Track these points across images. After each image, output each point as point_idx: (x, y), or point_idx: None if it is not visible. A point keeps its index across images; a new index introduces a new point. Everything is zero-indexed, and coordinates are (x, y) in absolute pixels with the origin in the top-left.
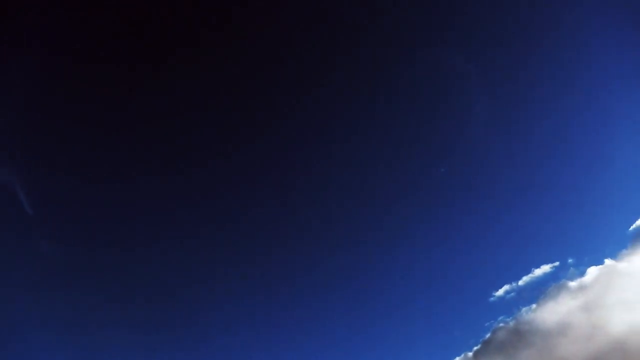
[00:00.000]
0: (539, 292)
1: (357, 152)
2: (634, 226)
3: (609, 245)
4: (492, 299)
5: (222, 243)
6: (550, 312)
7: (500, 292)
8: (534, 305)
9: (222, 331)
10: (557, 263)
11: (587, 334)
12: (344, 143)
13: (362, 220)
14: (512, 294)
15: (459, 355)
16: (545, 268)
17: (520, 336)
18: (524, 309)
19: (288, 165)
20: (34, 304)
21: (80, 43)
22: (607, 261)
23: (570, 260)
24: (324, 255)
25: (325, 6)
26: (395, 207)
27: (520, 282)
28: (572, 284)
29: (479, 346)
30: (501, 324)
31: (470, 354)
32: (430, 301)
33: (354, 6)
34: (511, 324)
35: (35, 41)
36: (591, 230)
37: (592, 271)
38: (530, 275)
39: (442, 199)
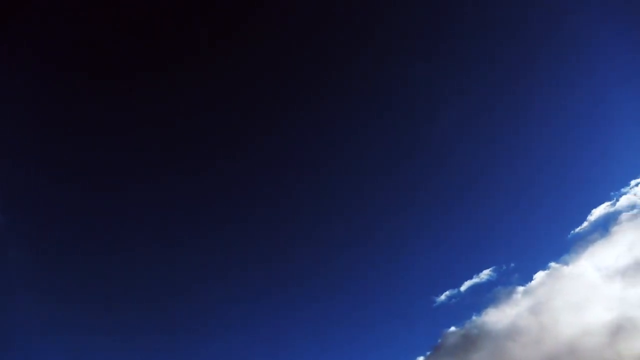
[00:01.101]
0: (484, 296)
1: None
2: (577, 230)
3: (554, 249)
4: (435, 304)
5: (220, 245)
6: (499, 316)
7: (442, 297)
8: (483, 310)
9: (222, 333)
10: (502, 267)
11: (537, 338)
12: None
13: (307, 227)
14: (456, 299)
15: None
16: (487, 273)
17: (471, 341)
18: (473, 314)
19: (287, 169)
20: (26, 309)
21: (76, 43)
22: (553, 265)
23: (512, 265)
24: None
25: (327, 9)
26: (333, 214)
27: (463, 288)
28: (520, 288)
29: (429, 352)
30: (451, 329)
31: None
32: (375, 309)
33: (354, 12)
34: (461, 328)
35: (28, 40)
36: (534, 234)
37: (539, 275)
38: (473, 280)
39: (383, 204)
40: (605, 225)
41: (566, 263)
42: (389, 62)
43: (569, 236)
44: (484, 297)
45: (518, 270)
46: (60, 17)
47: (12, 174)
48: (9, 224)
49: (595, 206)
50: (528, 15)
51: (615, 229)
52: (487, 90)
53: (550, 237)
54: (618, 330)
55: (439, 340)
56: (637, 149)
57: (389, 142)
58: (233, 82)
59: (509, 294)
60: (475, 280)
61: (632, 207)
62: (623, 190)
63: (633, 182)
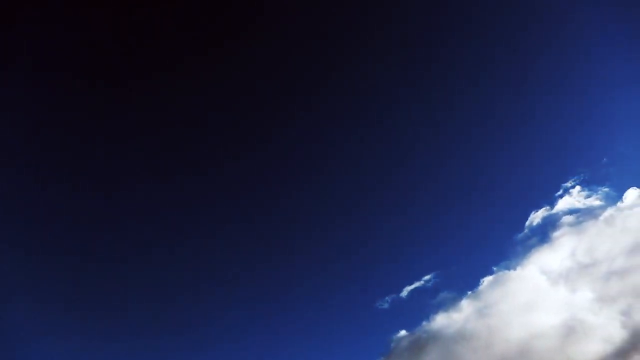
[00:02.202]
0: (430, 301)
1: None
2: (519, 235)
3: (497, 254)
4: (379, 310)
5: (219, 247)
6: (449, 321)
7: (385, 302)
8: (432, 315)
9: (221, 335)
10: (444, 272)
11: (487, 341)
12: None
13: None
14: (399, 304)
15: None
16: (428, 278)
17: (421, 345)
18: (423, 319)
19: (287, 171)
20: (26, 311)
21: (77, 44)
22: (499, 270)
23: (455, 270)
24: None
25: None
26: (276, 218)
27: (404, 293)
28: (468, 293)
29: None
30: (402, 334)
31: None
32: (317, 317)
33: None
34: (411, 333)
35: (28, 41)
36: (476, 239)
37: (486, 280)
38: (414, 285)
39: (323, 208)
40: (545, 230)
41: (511, 268)
42: (387, 64)
43: (511, 241)
44: (430, 302)
45: (463, 275)
46: (61, 18)
47: (11, 176)
48: (8, 226)
49: (534, 210)
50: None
51: (556, 233)
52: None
53: (492, 242)
54: (568, 333)
55: (392, 345)
56: (574, 153)
57: (334, 149)
58: (233, 84)
59: (457, 298)
60: (416, 285)
61: (570, 210)
62: (560, 193)
63: (569, 185)
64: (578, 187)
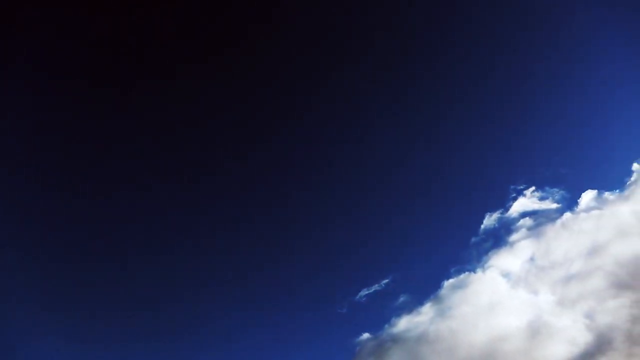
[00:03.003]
0: (391, 305)
1: None
2: (477, 237)
3: (456, 258)
4: (338, 313)
5: (218, 248)
6: (412, 324)
7: (344, 306)
8: (394, 318)
9: (220, 338)
10: (402, 275)
11: (451, 344)
12: None
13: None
14: (358, 307)
15: None
16: (386, 282)
17: (385, 349)
18: (386, 323)
19: (289, 173)
20: (31, 311)
21: (76, 46)
22: (460, 273)
23: (414, 273)
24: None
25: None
26: (232, 225)
27: (362, 297)
28: (430, 295)
29: None
30: (364, 337)
31: None
32: (276, 321)
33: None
34: (374, 337)
35: (28, 43)
36: (434, 242)
37: (448, 283)
38: (372, 288)
39: (279, 213)
40: (501, 232)
41: (471, 270)
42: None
43: (469, 244)
44: (391, 305)
45: (422, 279)
46: (62, 19)
47: (12, 177)
48: (9, 227)
49: (489, 213)
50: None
51: (514, 236)
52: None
53: (450, 245)
54: (532, 335)
55: (356, 349)
56: (528, 155)
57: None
58: (234, 86)
59: (418, 302)
60: (375, 288)
61: (526, 213)
62: (515, 196)
63: (523, 188)
64: (532, 190)
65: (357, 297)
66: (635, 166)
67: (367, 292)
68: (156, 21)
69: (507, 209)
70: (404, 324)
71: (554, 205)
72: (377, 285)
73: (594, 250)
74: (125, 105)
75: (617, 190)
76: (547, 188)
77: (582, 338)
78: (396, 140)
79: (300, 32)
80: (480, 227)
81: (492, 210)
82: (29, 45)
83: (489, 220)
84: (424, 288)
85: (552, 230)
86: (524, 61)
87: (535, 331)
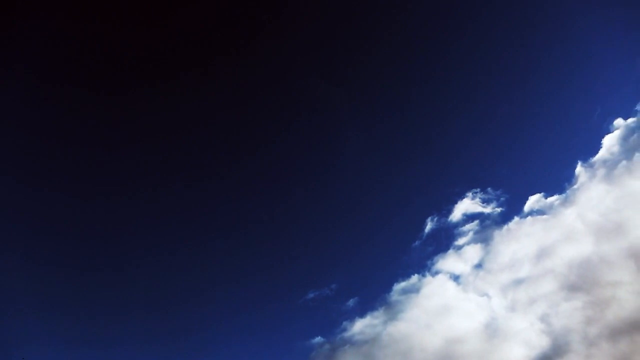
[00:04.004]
0: (342, 308)
1: None
2: (422, 241)
3: (407, 260)
4: (290, 314)
5: (218, 249)
6: (364, 327)
7: (294, 310)
8: (347, 322)
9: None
10: (351, 280)
11: (405, 347)
12: None
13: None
14: (311, 310)
15: None
16: (333, 286)
17: (339, 352)
18: (338, 326)
19: (286, 175)
20: (32, 314)
21: (76, 45)
22: (408, 276)
23: (366, 278)
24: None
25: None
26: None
27: (308, 299)
28: (381, 299)
29: None
30: (317, 340)
31: None
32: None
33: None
34: (327, 340)
35: (30, 41)
36: (384, 246)
37: (398, 286)
38: (320, 291)
39: (223, 217)
40: (446, 236)
41: (421, 274)
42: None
43: (415, 248)
44: (341, 308)
45: (372, 282)
46: (63, 22)
47: (11, 182)
48: (10, 231)
49: (434, 217)
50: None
51: (460, 240)
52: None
53: (398, 248)
54: (487, 338)
55: (310, 352)
56: (468, 160)
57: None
58: (234, 87)
59: (369, 305)
60: (324, 292)
61: (470, 216)
62: (457, 200)
63: (468, 192)
64: (475, 193)
65: (306, 300)
66: (578, 170)
67: (315, 296)
68: (156, 25)
69: (449, 213)
70: (356, 327)
71: (499, 209)
72: (326, 288)
73: (542, 254)
74: (125, 109)
75: (562, 194)
76: (490, 191)
77: (539, 341)
78: (341, 147)
79: (299, 36)
80: (423, 231)
81: (435, 214)
82: (30, 50)
83: (432, 224)
84: (373, 292)
85: (498, 234)
86: (465, 64)
87: (490, 334)
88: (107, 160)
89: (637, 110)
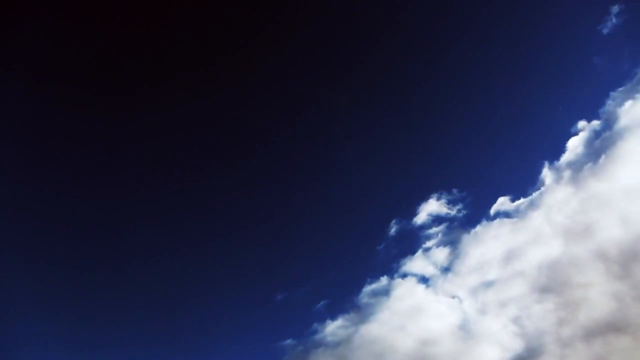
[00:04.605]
0: (312, 310)
1: None
2: (388, 243)
3: (375, 262)
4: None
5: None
6: (335, 329)
7: (263, 312)
8: (317, 324)
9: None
10: (322, 280)
11: (378, 349)
12: None
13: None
14: (280, 312)
15: None
16: (304, 288)
17: (310, 354)
18: (308, 328)
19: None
20: (31, 315)
21: (81, 51)
22: (377, 278)
23: (334, 279)
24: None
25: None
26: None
27: (280, 301)
28: (351, 301)
29: None
30: (287, 342)
31: None
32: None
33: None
34: (298, 342)
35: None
36: (353, 247)
37: (367, 289)
38: (291, 294)
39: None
40: (413, 238)
41: (390, 277)
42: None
43: (383, 250)
44: (312, 311)
45: (341, 285)
46: (62, 19)
47: (10, 182)
48: (10, 231)
49: (400, 219)
50: None
51: (427, 242)
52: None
53: (365, 250)
54: (459, 341)
55: (280, 355)
56: (439, 160)
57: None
58: (234, 87)
59: (341, 308)
60: (294, 293)
61: (438, 219)
62: (420, 202)
63: (433, 194)
64: (441, 195)
65: (276, 302)
66: (544, 173)
67: (284, 297)
68: (156, 25)
69: (415, 214)
70: (328, 329)
71: (465, 212)
72: (295, 290)
73: (511, 256)
74: (125, 109)
75: (528, 197)
76: (456, 194)
77: (512, 343)
78: (307, 148)
79: (297, 36)
80: (389, 233)
81: (400, 216)
82: (30, 50)
83: (398, 226)
84: (343, 294)
85: (465, 237)
86: (434, 62)
87: (463, 336)
88: (107, 160)
89: (601, 113)
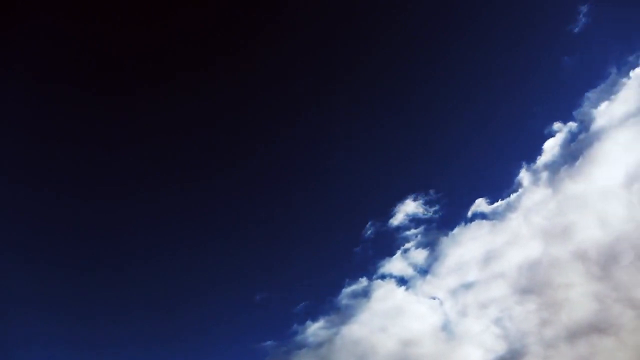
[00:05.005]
0: (292, 312)
1: None
2: (364, 245)
3: (353, 263)
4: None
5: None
6: (316, 331)
7: (243, 314)
8: (298, 325)
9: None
10: (301, 282)
11: (360, 350)
12: None
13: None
14: (260, 313)
15: None
16: (284, 290)
17: (291, 356)
18: (288, 329)
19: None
20: (31, 315)
21: (81, 49)
22: (355, 280)
23: (312, 280)
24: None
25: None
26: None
27: (262, 303)
28: (331, 302)
29: None
30: (269, 344)
31: None
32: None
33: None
34: (279, 343)
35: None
36: (330, 249)
37: (346, 290)
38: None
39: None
40: (389, 240)
41: (369, 278)
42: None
43: (360, 252)
44: (292, 312)
45: (320, 286)
46: (62, 19)
47: (10, 182)
48: (10, 231)
49: (375, 221)
50: None
51: (407, 244)
52: None
53: (343, 253)
54: (440, 342)
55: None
56: (411, 163)
57: None
58: (234, 87)
59: (321, 309)
60: (274, 295)
61: (415, 220)
62: (400, 203)
63: (409, 196)
64: (420, 198)
65: (254, 302)
66: (521, 175)
67: (263, 298)
68: (156, 25)
69: (392, 216)
70: (308, 331)
71: (442, 213)
72: (274, 291)
73: (490, 258)
74: (126, 109)
75: (505, 199)
76: (433, 195)
77: (495, 344)
78: (307, 148)
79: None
80: (366, 234)
81: (377, 217)
82: (30, 50)
83: (375, 227)
84: (322, 295)
85: (443, 238)
86: (409, 64)
87: (445, 337)
88: (107, 160)
89: (576, 114)
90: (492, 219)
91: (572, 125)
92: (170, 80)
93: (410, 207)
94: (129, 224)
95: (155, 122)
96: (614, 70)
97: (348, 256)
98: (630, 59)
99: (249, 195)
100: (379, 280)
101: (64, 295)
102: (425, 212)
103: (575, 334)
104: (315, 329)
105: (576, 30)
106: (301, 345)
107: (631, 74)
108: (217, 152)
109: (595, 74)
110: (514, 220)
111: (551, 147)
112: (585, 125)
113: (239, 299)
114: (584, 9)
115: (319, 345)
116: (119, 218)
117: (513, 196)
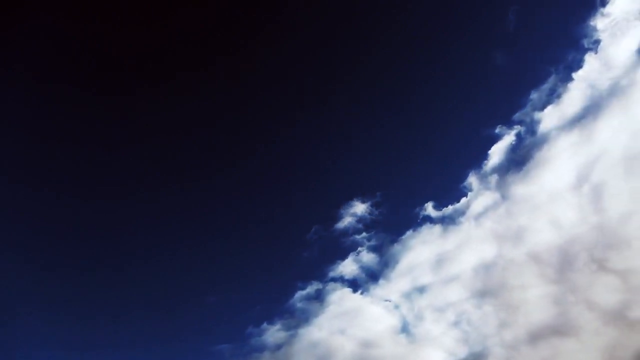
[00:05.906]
0: (246, 316)
1: None
2: (312, 249)
3: (303, 269)
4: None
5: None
6: (273, 335)
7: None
8: (252, 328)
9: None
10: (253, 285)
11: (318, 353)
12: None
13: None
14: (212, 316)
15: None
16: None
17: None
18: (241, 333)
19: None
20: (31, 316)
21: (81, 49)
22: (307, 284)
23: (264, 284)
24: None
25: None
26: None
27: (213, 306)
28: (284, 306)
29: None
30: (223, 348)
31: None
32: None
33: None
34: (234, 349)
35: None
36: (281, 253)
37: (300, 294)
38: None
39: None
40: (338, 244)
41: (321, 282)
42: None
43: (305, 256)
44: (245, 316)
45: (273, 290)
46: (62, 19)
47: (10, 183)
48: (7, 230)
49: (323, 225)
50: None
51: (356, 248)
52: None
53: (292, 258)
54: (401, 344)
55: None
56: (358, 166)
57: None
58: (234, 87)
59: (275, 313)
60: (226, 299)
61: (364, 225)
62: (346, 207)
63: (360, 201)
64: (365, 200)
65: (206, 304)
66: (470, 178)
67: (215, 300)
68: (156, 25)
69: (339, 220)
70: (265, 334)
71: (392, 217)
72: (226, 293)
73: (443, 261)
74: (126, 109)
75: (455, 203)
76: (379, 198)
77: (455, 348)
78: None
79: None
80: (311, 238)
81: (322, 222)
82: (30, 50)
83: (321, 231)
84: (277, 298)
85: (394, 243)
86: (354, 63)
87: (403, 342)
88: (107, 160)
89: (520, 117)
90: (442, 223)
91: (518, 128)
92: (170, 80)
93: (358, 210)
94: (128, 224)
95: (155, 122)
96: (553, 71)
97: (297, 260)
98: (570, 58)
99: (268, 195)
100: (332, 283)
101: (64, 295)
102: (372, 214)
103: (536, 336)
104: (272, 332)
105: (509, 28)
106: (258, 349)
107: (574, 75)
108: (217, 152)
109: (539, 75)
110: (465, 224)
111: (498, 151)
112: (530, 128)
113: (190, 301)
114: (514, 9)
115: (277, 347)
116: (118, 218)
117: (463, 200)
